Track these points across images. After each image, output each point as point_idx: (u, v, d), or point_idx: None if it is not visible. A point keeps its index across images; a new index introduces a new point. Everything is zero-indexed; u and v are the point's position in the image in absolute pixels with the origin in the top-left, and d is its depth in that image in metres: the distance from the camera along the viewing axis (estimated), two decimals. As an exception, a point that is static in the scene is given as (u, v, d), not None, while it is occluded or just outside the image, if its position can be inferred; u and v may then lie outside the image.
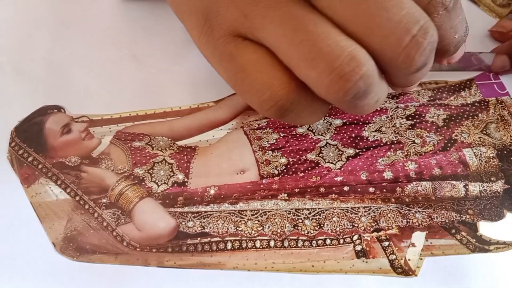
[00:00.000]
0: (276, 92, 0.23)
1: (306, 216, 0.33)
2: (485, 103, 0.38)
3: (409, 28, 0.21)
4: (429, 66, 0.24)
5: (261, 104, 0.24)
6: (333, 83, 0.21)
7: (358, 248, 0.32)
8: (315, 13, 0.22)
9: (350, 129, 0.37)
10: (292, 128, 0.37)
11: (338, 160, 0.36)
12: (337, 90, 0.21)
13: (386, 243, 0.32)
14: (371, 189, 0.34)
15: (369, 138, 0.37)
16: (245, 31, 0.24)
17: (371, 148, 0.36)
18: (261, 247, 0.32)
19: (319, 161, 0.36)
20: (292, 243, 0.32)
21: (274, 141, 0.37)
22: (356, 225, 0.33)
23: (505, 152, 0.36)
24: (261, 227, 0.33)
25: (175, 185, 0.35)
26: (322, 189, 0.34)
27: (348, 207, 0.34)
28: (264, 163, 0.36)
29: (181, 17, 0.28)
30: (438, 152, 0.36)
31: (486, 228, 0.33)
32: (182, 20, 0.28)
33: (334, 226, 0.33)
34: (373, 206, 0.34)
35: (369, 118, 0.38)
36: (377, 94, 0.24)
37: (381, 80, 0.24)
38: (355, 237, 0.33)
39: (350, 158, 0.36)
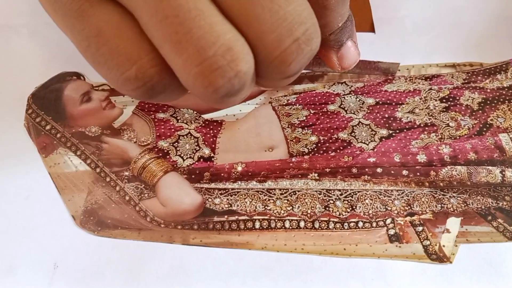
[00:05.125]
0: (145, 70, 0.18)
1: (337, 197, 0.32)
2: (523, 87, 0.37)
3: (293, 29, 0.18)
4: (301, 71, 0.20)
5: (124, 82, 0.18)
6: (201, 76, 0.17)
7: (391, 232, 0.31)
8: None
9: (383, 109, 0.36)
10: (323, 105, 0.36)
11: (371, 141, 0.34)
12: (206, 86, 0.17)
13: (420, 228, 0.31)
14: (405, 172, 0.33)
15: (402, 119, 0.35)
16: None
17: (405, 130, 0.35)
18: (290, 227, 0.31)
19: (351, 141, 0.34)
20: (323, 225, 0.31)
21: (304, 118, 0.35)
22: (389, 208, 0.32)
23: (543, 138, 0.35)
24: (291, 207, 0.32)
25: (201, 160, 0.33)
26: (354, 170, 0.33)
27: (381, 190, 0.32)
28: (294, 140, 0.34)
29: None
30: (473, 136, 0.35)
31: (523, 216, 0.32)
32: None
33: (367, 208, 0.32)
34: (407, 190, 0.32)
35: (402, 98, 0.36)
36: (247, 91, 0.20)
37: (254, 76, 0.20)
38: (388, 221, 0.31)
39: (383, 139, 0.34)
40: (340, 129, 0.35)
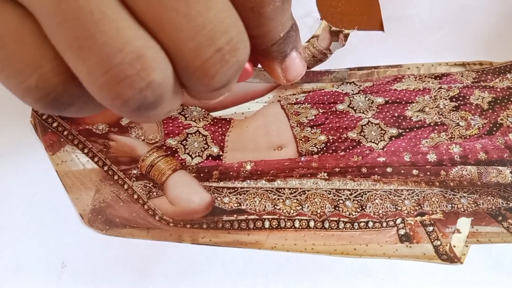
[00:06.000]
0: (48, 79, 0.16)
1: (347, 197, 0.32)
2: (533, 87, 0.37)
3: (214, 37, 0.16)
4: (232, 84, 0.18)
5: (24, 92, 0.16)
6: (107, 87, 0.15)
7: (402, 232, 0.31)
8: None
9: (393, 108, 0.35)
10: (332, 104, 0.35)
11: (381, 140, 0.34)
12: (113, 98, 0.15)
13: (431, 228, 0.31)
14: (415, 172, 0.33)
15: (412, 118, 0.35)
16: None
17: (415, 129, 0.34)
18: (300, 227, 0.31)
19: (360, 140, 0.34)
20: (333, 225, 0.31)
21: (313, 117, 0.35)
22: (399, 208, 0.32)
23: (554, 138, 0.34)
24: (300, 207, 0.31)
25: (210, 158, 0.33)
26: (364, 170, 0.33)
27: (391, 189, 0.32)
28: (303, 139, 0.34)
29: None
30: (483, 136, 0.34)
31: (533, 217, 0.32)
32: None
33: (377, 208, 0.31)
34: (417, 189, 0.32)
35: (412, 97, 0.36)
36: (170, 104, 0.17)
37: (179, 87, 0.18)
38: (399, 221, 0.31)
39: (393, 138, 0.34)
40: (350, 129, 0.34)
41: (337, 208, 0.31)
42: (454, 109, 0.36)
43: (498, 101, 0.36)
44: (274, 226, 0.31)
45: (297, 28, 0.24)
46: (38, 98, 0.16)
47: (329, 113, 0.35)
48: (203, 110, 0.35)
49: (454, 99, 0.36)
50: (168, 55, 0.16)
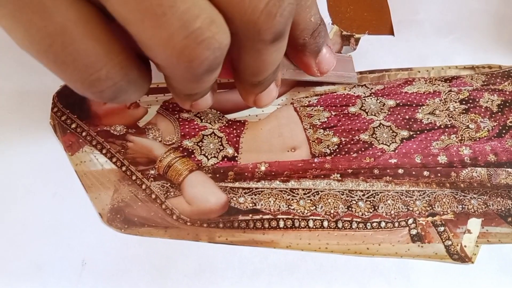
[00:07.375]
0: (117, 70, 0.18)
1: (360, 198, 0.32)
2: (542, 90, 0.37)
3: None
4: (284, 43, 0.21)
5: (91, 83, 0.18)
6: (188, 49, 0.17)
7: (413, 232, 0.31)
8: None
9: (404, 110, 0.36)
10: (344, 107, 0.36)
11: (392, 142, 0.34)
12: (191, 59, 0.17)
13: (442, 228, 0.32)
14: (426, 173, 0.33)
15: (423, 120, 0.36)
16: None
17: (425, 131, 0.35)
18: (314, 227, 0.31)
19: (372, 142, 0.34)
20: (346, 225, 0.32)
21: (326, 119, 0.35)
22: (411, 208, 0.32)
23: (562, 141, 0.35)
24: (314, 207, 0.32)
25: (225, 159, 0.33)
26: (376, 171, 0.33)
27: (402, 190, 0.33)
28: (316, 141, 0.34)
29: None
30: (492, 138, 0.35)
31: (542, 218, 0.32)
32: None
33: (389, 209, 0.32)
34: (428, 190, 0.33)
35: (423, 100, 0.37)
36: (217, 72, 0.21)
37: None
38: (410, 221, 0.32)
39: (404, 140, 0.35)
40: (362, 131, 0.35)
41: (350, 209, 0.32)
42: (464, 111, 0.36)
43: (507, 104, 0.37)
44: (289, 226, 0.31)
45: (325, 25, 0.27)
46: (105, 88, 0.18)
47: (341, 116, 0.36)
48: (218, 112, 0.35)
49: (464, 102, 0.37)
50: (233, 16, 0.18)
